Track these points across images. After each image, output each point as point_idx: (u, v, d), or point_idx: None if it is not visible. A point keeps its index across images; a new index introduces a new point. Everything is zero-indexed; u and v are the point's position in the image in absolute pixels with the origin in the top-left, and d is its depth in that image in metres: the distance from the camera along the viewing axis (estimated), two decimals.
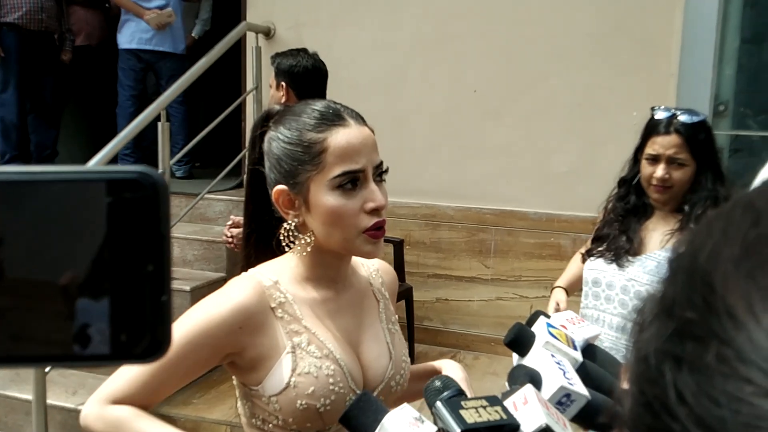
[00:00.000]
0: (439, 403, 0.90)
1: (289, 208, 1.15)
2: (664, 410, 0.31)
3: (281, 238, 1.17)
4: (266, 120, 1.21)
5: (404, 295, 3.90)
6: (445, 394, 0.94)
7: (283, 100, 2.89)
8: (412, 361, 4.28)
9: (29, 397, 2.90)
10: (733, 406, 0.28)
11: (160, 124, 3.64)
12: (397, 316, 1.32)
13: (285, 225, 1.16)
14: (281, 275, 1.17)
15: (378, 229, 1.12)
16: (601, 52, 3.86)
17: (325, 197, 1.10)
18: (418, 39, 4.19)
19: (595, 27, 3.87)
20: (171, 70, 4.88)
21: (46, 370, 2.86)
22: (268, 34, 4.44)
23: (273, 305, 1.14)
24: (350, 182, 1.10)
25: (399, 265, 3.99)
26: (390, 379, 1.21)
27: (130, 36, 4.84)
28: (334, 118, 1.13)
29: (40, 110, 5.04)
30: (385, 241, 4.22)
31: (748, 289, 0.31)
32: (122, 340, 0.35)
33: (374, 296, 1.28)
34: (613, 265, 2.03)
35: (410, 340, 3.91)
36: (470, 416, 0.88)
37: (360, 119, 1.16)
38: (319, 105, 1.15)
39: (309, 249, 1.15)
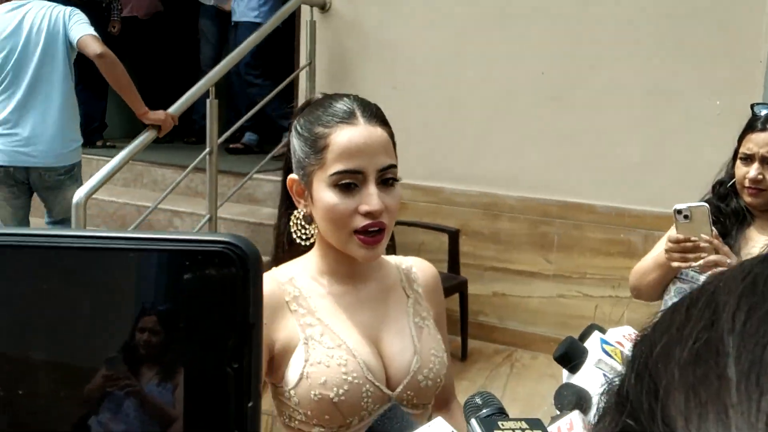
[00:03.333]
0: (473, 421, 0.89)
1: (300, 197, 1.23)
2: None
3: (291, 224, 1.25)
4: (303, 109, 1.28)
5: (458, 288, 3.91)
6: (483, 411, 0.93)
7: None
8: (464, 356, 4.24)
9: None
10: None
11: (208, 101, 3.71)
12: (431, 312, 1.33)
13: (295, 213, 1.25)
14: (298, 272, 1.25)
15: (371, 234, 1.16)
16: (677, 35, 3.74)
17: (323, 193, 1.17)
18: (477, 17, 4.12)
19: (671, 7, 3.76)
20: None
21: None
22: (323, 7, 4.47)
23: (287, 299, 1.21)
24: (347, 182, 1.15)
25: (454, 255, 4.00)
26: (416, 372, 1.23)
27: None
28: (344, 115, 1.18)
29: (87, 81, 5.18)
30: (440, 230, 4.20)
31: (688, 403, 0.30)
32: None
33: (404, 291, 1.31)
34: (704, 276, 1.93)
35: (463, 335, 3.93)
36: None
37: (375, 119, 1.19)
38: (339, 100, 1.21)
39: (314, 240, 1.24)
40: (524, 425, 0.88)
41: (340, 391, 1.15)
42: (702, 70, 3.72)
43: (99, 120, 5.25)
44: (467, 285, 3.94)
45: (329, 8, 4.47)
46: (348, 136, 1.16)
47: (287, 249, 1.29)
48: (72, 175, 3.46)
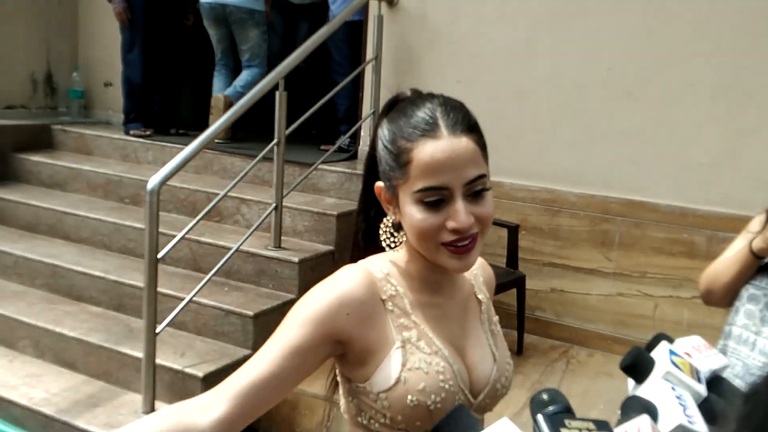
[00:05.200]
0: (540, 417, 0.87)
1: (389, 204, 1.18)
2: None
3: (381, 232, 1.21)
4: (392, 106, 1.21)
5: (516, 283, 3.89)
6: (550, 408, 0.91)
7: None
8: (520, 351, 4.21)
9: (140, 354, 3.12)
10: None
11: (277, 94, 3.78)
12: (497, 317, 1.32)
13: (384, 220, 1.21)
14: (392, 269, 1.19)
15: (461, 245, 1.11)
16: (754, 30, 3.64)
17: (408, 207, 1.12)
18: (548, 10, 4.08)
19: (746, 1, 3.66)
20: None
21: (157, 330, 3.07)
22: (391, 2, 4.48)
23: (384, 297, 1.15)
24: (433, 198, 1.09)
25: (512, 250, 3.98)
26: (495, 381, 1.22)
27: None
28: (426, 127, 1.10)
29: (163, 72, 5.33)
30: (499, 224, 4.17)
31: None
32: None
33: (476, 298, 1.29)
34: None
35: (520, 330, 3.90)
36: None
37: (460, 127, 1.10)
38: (422, 109, 1.13)
39: (403, 248, 1.19)
40: (591, 426, 0.86)
41: (437, 399, 1.11)
42: None
43: (173, 109, 5.39)
44: (525, 280, 3.92)
45: (397, 2, 4.49)
46: (431, 151, 1.08)
47: (363, 248, 1.26)
48: (254, 18, 4.98)
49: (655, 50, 3.85)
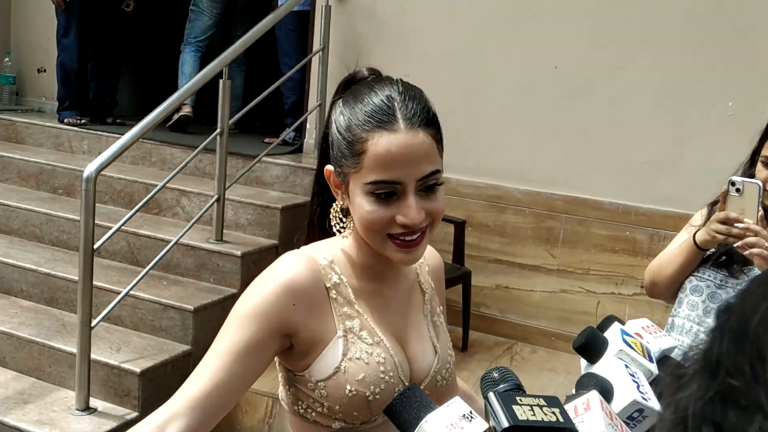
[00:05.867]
0: (491, 395, 0.88)
1: (338, 188, 1.16)
2: None
3: (330, 217, 1.19)
4: (347, 85, 1.18)
5: (462, 279, 3.92)
6: (501, 386, 0.93)
7: None
8: (465, 347, 4.24)
9: (73, 349, 3.04)
10: None
11: (221, 82, 3.72)
12: (442, 307, 1.31)
13: (333, 205, 1.18)
14: (337, 255, 1.17)
15: (408, 240, 1.10)
16: (698, 35, 3.74)
17: (359, 197, 1.09)
18: (497, 10, 4.12)
19: (692, 7, 3.75)
20: None
21: (92, 324, 2.99)
22: None
23: (328, 285, 1.14)
24: (384, 192, 1.07)
25: (459, 247, 4.01)
26: (436, 373, 1.22)
27: None
28: (383, 117, 1.07)
29: (100, 58, 5.18)
30: (446, 220, 4.19)
31: None
32: None
33: (420, 288, 1.27)
34: (723, 273, 1.94)
35: (465, 326, 3.94)
36: (522, 413, 0.85)
37: (417, 121, 1.08)
38: (378, 96, 1.10)
39: (350, 234, 1.17)
40: (542, 402, 0.88)
41: (377, 390, 1.11)
42: (719, 72, 3.71)
43: (110, 97, 5.25)
44: (471, 276, 3.95)
45: None
46: (386, 145, 1.06)
47: (319, 233, 1.24)
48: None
49: (602, 53, 3.93)
